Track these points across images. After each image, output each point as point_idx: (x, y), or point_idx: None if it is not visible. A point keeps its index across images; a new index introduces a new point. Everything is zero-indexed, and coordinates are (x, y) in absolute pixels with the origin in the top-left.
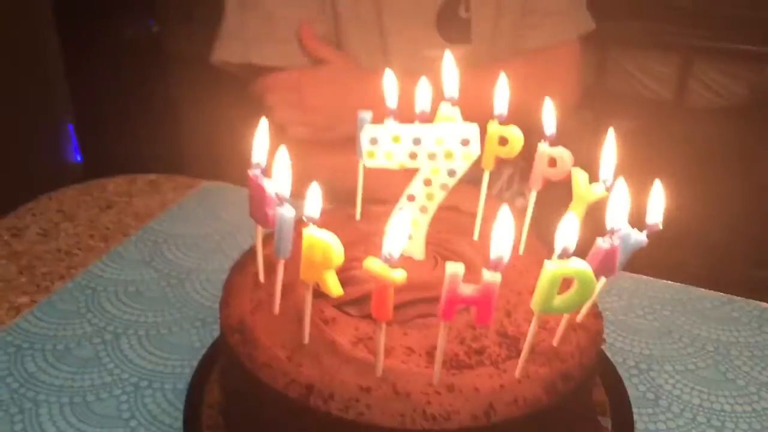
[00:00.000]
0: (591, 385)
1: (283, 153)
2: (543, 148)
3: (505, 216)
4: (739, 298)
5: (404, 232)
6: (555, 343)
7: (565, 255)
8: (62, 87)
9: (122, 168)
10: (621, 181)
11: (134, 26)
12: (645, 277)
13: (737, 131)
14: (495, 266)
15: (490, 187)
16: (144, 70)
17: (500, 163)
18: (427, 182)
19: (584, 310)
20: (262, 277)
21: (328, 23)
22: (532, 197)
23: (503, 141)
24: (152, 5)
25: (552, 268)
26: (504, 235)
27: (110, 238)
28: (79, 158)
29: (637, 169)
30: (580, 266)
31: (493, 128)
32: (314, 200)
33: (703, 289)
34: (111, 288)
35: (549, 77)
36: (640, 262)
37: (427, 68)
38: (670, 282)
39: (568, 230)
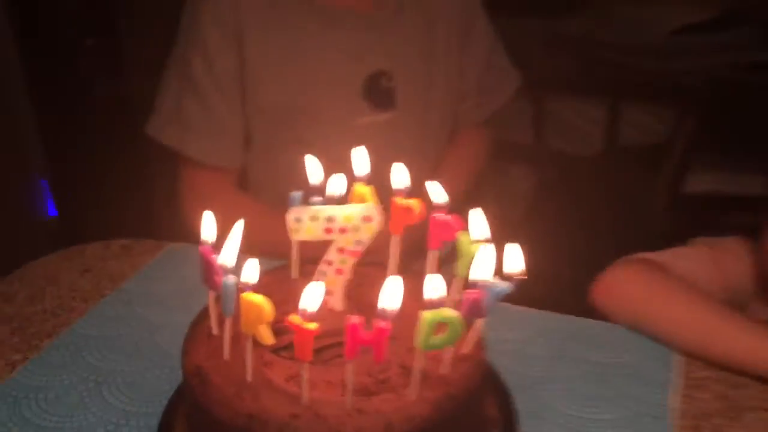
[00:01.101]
0: (477, 404)
1: (235, 230)
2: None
3: (392, 279)
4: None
5: (317, 295)
6: (443, 371)
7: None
8: (36, 144)
9: (96, 220)
10: (490, 247)
11: (104, 84)
12: (536, 310)
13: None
14: (383, 316)
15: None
16: (115, 127)
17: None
18: (341, 250)
19: (469, 344)
20: (215, 330)
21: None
22: (432, 255)
23: (408, 211)
24: (121, 63)
25: (426, 316)
26: (391, 293)
27: (89, 299)
28: (54, 213)
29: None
30: (450, 314)
31: (399, 201)
32: (251, 270)
33: (588, 319)
34: (92, 343)
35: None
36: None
37: (359, 135)
38: (558, 314)
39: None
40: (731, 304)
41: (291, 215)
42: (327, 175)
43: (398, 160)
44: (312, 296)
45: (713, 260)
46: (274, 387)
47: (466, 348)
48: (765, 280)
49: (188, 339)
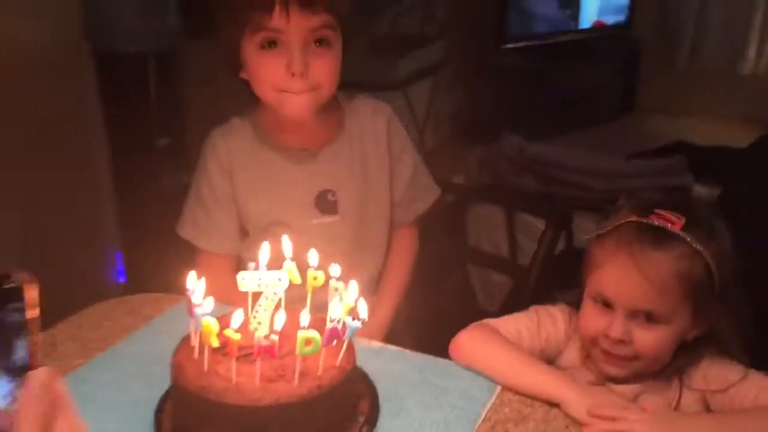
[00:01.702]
0: (346, 398)
1: (201, 285)
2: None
3: (280, 314)
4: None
5: (239, 320)
6: (318, 373)
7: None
8: (114, 223)
9: (157, 286)
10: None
11: (171, 177)
12: (416, 352)
13: None
14: (268, 339)
15: None
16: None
17: None
18: (265, 297)
19: (340, 357)
20: (193, 342)
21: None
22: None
23: (314, 279)
24: (185, 162)
25: (300, 334)
26: (280, 322)
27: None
28: (122, 280)
29: None
30: (313, 335)
31: (312, 273)
32: (208, 306)
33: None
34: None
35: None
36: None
37: (313, 232)
38: (429, 355)
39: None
40: (546, 354)
41: (238, 277)
42: (284, 256)
43: (341, 250)
44: (237, 321)
45: (537, 324)
46: (218, 374)
47: (338, 362)
48: (583, 342)
49: (177, 349)
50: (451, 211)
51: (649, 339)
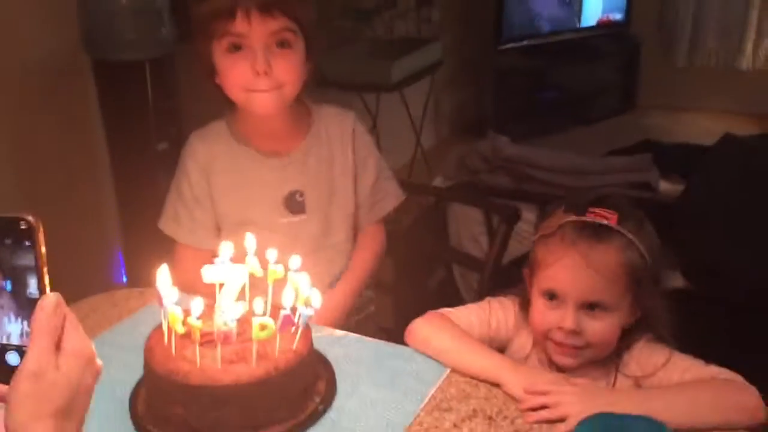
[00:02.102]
0: (303, 379)
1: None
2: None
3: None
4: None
5: (199, 309)
6: (275, 354)
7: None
8: (116, 224)
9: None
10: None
11: (168, 182)
12: (380, 341)
13: None
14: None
15: None
16: None
17: None
18: (227, 288)
19: (296, 343)
20: (165, 331)
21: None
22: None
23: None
24: None
25: (254, 321)
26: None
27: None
28: (125, 280)
29: None
30: (266, 320)
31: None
32: (173, 296)
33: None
34: None
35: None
36: None
37: (281, 229)
38: (391, 343)
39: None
40: (496, 342)
41: (203, 268)
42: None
43: (307, 247)
44: (197, 310)
45: (488, 313)
46: (184, 357)
47: (294, 346)
48: (536, 336)
49: (149, 336)
50: (433, 211)
51: (598, 327)
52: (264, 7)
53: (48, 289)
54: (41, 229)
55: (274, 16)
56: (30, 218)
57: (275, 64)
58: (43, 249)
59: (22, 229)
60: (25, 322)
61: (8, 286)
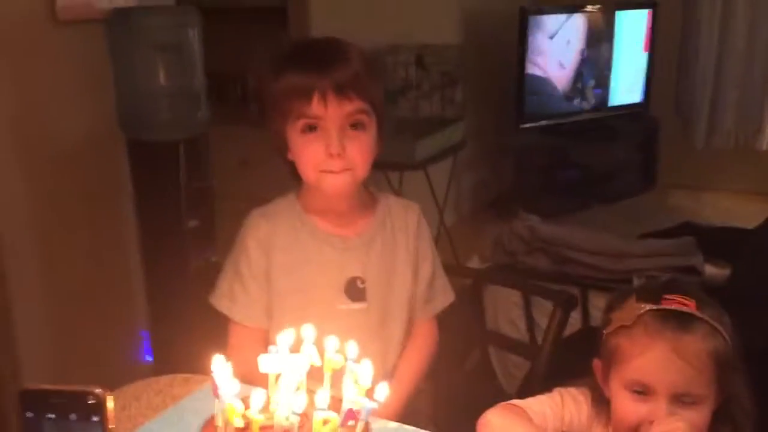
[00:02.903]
0: None
1: (226, 368)
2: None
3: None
4: None
5: (260, 401)
6: None
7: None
8: (142, 303)
9: (184, 367)
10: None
11: (199, 258)
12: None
13: None
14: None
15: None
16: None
17: None
18: (286, 379)
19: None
20: (218, 422)
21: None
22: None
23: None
24: (213, 242)
25: (317, 417)
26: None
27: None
28: (149, 359)
29: None
30: (330, 415)
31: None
32: (233, 388)
33: None
34: None
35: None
36: None
37: (339, 316)
38: None
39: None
40: None
41: (259, 358)
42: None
43: (363, 337)
44: (258, 402)
45: (561, 406)
46: None
47: None
48: (614, 424)
49: (202, 429)
50: (470, 292)
51: (693, 419)
52: (340, 89)
53: None
54: (111, 402)
55: (350, 98)
56: (98, 391)
57: (349, 146)
58: (112, 426)
59: (90, 404)
60: None
61: None
